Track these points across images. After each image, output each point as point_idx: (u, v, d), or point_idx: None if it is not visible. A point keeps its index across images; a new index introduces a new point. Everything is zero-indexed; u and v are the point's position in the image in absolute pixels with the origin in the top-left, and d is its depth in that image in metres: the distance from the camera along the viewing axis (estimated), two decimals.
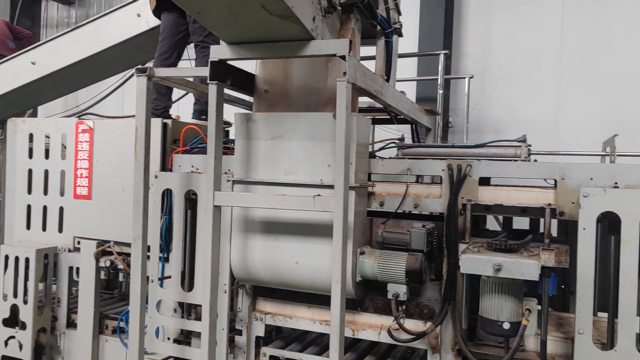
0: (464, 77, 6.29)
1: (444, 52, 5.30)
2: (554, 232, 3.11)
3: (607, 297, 2.56)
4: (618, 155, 3.04)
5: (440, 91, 5.47)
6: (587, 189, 2.45)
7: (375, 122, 4.60)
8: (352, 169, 2.79)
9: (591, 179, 2.59)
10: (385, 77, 3.43)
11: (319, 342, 3.40)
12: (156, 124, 3.53)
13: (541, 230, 3.01)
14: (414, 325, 2.93)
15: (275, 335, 3.66)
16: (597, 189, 2.43)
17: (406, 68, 6.89)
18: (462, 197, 2.82)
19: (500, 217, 3.60)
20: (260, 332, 3.23)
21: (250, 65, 3.16)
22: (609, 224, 2.56)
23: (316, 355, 3.17)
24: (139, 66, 2.95)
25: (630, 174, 2.53)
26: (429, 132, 4.83)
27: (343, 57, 2.52)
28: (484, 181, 2.99)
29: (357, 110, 3.12)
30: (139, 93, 2.95)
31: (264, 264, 2.97)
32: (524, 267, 2.23)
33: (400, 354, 3.34)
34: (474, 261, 2.31)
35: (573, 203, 2.57)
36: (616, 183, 2.54)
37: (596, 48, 6.75)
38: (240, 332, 3.25)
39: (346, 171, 2.54)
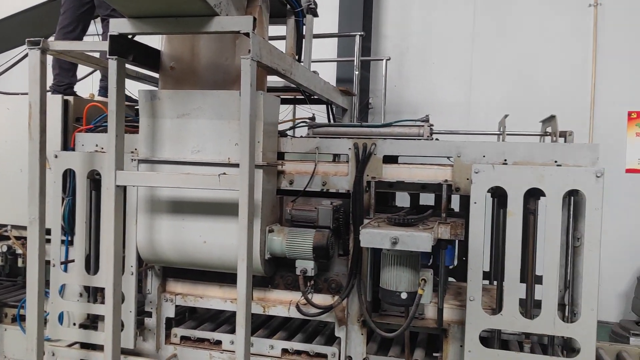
0: (382, 59, 6.43)
1: (359, 33, 5.37)
2: (457, 208, 3.30)
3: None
4: (507, 135, 3.25)
5: (357, 72, 5.56)
6: (478, 165, 2.60)
7: (295, 102, 4.62)
8: (259, 147, 2.80)
9: (484, 156, 2.75)
10: (297, 57, 3.44)
11: (232, 321, 3.41)
12: (56, 100, 3.35)
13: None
14: (323, 299, 3.02)
15: (190, 315, 3.65)
16: (487, 166, 2.59)
17: (329, 49, 6.94)
18: (368, 175, 2.91)
19: (413, 194, 3.75)
20: (171, 313, 3.19)
21: (157, 41, 3.07)
22: (499, 199, 2.75)
23: (228, 333, 3.19)
24: (31, 39, 2.77)
25: (518, 152, 2.72)
26: (345, 113, 4.92)
27: (247, 35, 2.50)
28: (393, 159, 3.11)
29: (266, 88, 3.13)
30: (32, 67, 2.78)
31: (171, 245, 2.93)
32: (418, 239, 2.34)
33: (312, 328, 3.43)
34: (373, 235, 2.40)
35: (467, 179, 2.72)
36: (505, 160, 2.72)
37: (505, 33, 7.11)
38: (150, 314, 3.21)
39: (252, 149, 2.55)
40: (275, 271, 3.08)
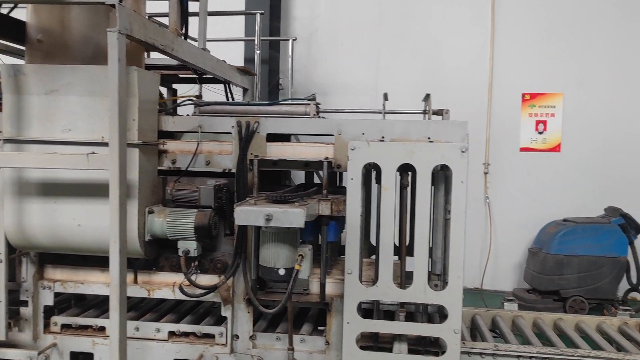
0: (287, 39, 6.40)
1: (259, 12, 5.30)
2: None
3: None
4: (390, 113, 3.35)
5: (258, 51, 5.50)
6: (354, 142, 2.66)
7: (189, 81, 4.49)
8: (134, 125, 2.70)
9: (363, 133, 2.82)
10: (181, 33, 3.33)
11: None
12: None
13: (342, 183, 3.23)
14: (210, 279, 2.99)
15: (77, 303, 3.51)
16: (362, 142, 2.65)
17: (240, 28, 6.83)
18: (251, 153, 2.89)
19: (309, 173, 3.77)
20: (49, 301, 3.04)
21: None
22: (377, 175, 2.82)
23: None
24: None
25: (395, 129, 2.80)
26: (247, 92, 4.86)
27: (112, 6, 2.38)
28: (286, 138, 3.11)
29: (143, 64, 3.01)
30: None
31: (43, 229, 2.78)
32: (292, 215, 2.37)
33: (204, 309, 3.39)
34: (247, 213, 2.40)
35: (347, 156, 2.77)
36: (383, 137, 2.80)
37: (411, 18, 7.29)
38: (26, 304, 3.04)
39: (122, 127, 2.45)
40: (160, 253, 3.01)
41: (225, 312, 2.96)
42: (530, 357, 2.80)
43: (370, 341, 2.84)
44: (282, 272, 2.54)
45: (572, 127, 7.03)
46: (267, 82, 6.82)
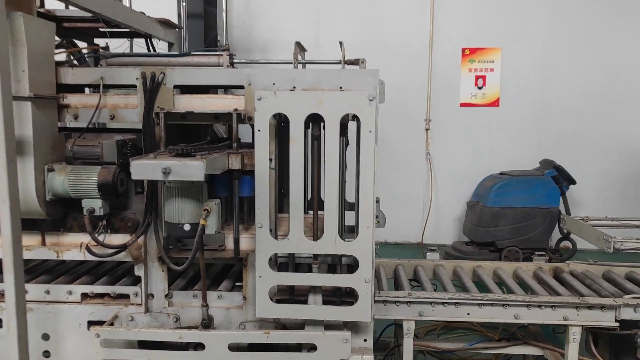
0: None
1: None
2: None
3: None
4: (307, 63, 3.27)
5: (184, 3, 5.26)
6: (261, 92, 2.56)
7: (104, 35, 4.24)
8: (24, 77, 2.52)
9: (274, 83, 2.72)
10: None
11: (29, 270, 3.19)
12: None
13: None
14: (122, 239, 2.88)
15: None
16: (269, 92, 2.56)
17: None
18: (158, 107, 2.76)
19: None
20: None
21: None
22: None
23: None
24: None
25: (306, 78, 2.71)
26: (172, 47, 4.65)
27: None
28: (203, 91, 2.96)
29: (35, 12, 2.79)
30: None
31: None
32: (191, 168, 2.28)
33: (123, 270, 3.30)
34: (144, 166, 2.30)
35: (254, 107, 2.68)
36: (294, 87, 2.71)
37: None
38: None
39: (4, 78, 2.27)
40: (67, 213, 2.88)
41: (139, 271, 2.88)
42: (443, 302, 2.86)
43: (287, 294, 2.83)
44: (187, 227, 2.47)
45: (510, 82, 7.12)
46: (203, 38, 6.57)
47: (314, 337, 2.69)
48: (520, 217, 6.35)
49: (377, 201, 3.37)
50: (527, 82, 7.07)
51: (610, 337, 3.16)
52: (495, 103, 7.13)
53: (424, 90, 7.16)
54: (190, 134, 3.33)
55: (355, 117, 2.64)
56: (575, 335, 2.80)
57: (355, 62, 3.07)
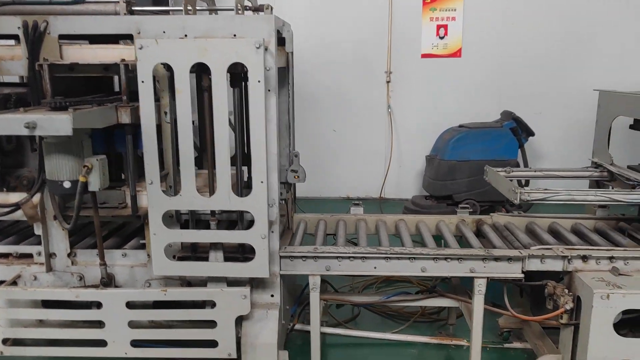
0: None
1: None
2: None
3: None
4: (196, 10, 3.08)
5: None
6: (142, 40, 2.42)
7: None
8: None
9: (164, 32, 2.56)
10: None
11: None
12: None
13: None
14: (19, 197, 2.80)
15: None
16: (150, 40, 2.41)
17: None
18: (44, 58, 2.61)
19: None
20: None
21: None
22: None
23: None
24: None
25: (198, 26, 2.55)
26: None
27: None
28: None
29: None
30: None
31: None
32: (57, 122, 2.16)
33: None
34: (7, 121, 2.18)
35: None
36: (186, 35, 2.56)
37: None
38: None
39: None
40: None
41: (38, 230, 2.81)
42: (349, 257, 2.81)
43: (189, 252, 2.78)
44: (67, 185, 2.38)
45: (472, 31, 6.89)
46: None
47: (212, 294, 2.65)
48: (477, 170, 6.26)
49: (296, 155, 3.28)
50: (490, 31, 6.84)
51: (531, 288, 3.15)
52: (457, 54, 6.92)
53: (384, 41, 6.94)
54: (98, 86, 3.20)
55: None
56: (480, 287, 2.77)
57: (259, 9, 2.90)
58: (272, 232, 2.76)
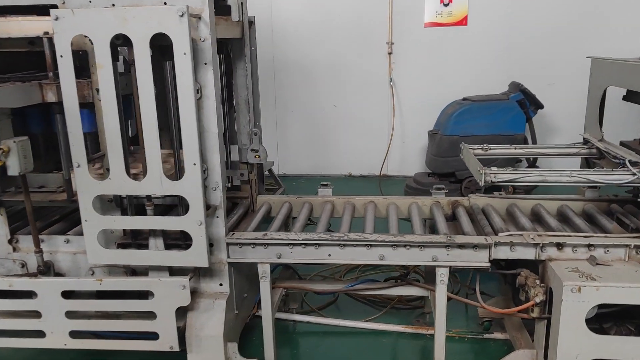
0: None
1: None
2: None
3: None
4: None
5: None
6: (57, 11, 2.21)
7: None
8: None
9: (90, 1, 2.35)
10: None
11: None
12: None
13: None
14: None
15: None
16: (66, 11, 2.20)
17: None
18: None
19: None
20: None
21: None
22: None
23: None
24: None
25: None
26: None
27: None
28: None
29: None
30: None
31: None
32: None
33: None
34: None
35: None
36: (114, 4, 2.34)
37: None
38: None
39: None
40: None
41: None
42: (301, 244, 2.59)
43: (130, 239, 2.61)
44: None
45: None
46: None
47: (149, 284, 2.49)
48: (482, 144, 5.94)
49: (256, 134, 3.07)
50: None
51: (512, 277, 2.88)
52: (462, 22, 6.49)
53: (385, 9, 6.57)
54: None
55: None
56: (442, 277, 2.52)
57: None
58: (217, 217, 2.56)
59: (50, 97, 2.38)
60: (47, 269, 2.62)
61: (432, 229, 3.03)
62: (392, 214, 3.02)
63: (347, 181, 6.94)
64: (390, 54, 6.71)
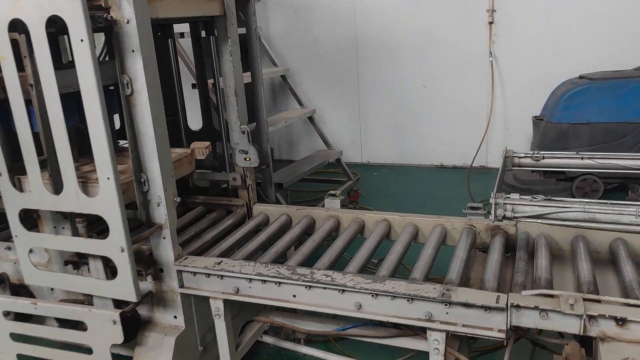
0: None
1: None
2: None
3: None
4: None
5: None
6: None
7: None
8: None
9: None
10: None
11: None
12: None
13: None
14: None
15: None
16: None
17: None
18: None
19: None
20: None
21: None
22: None
23: None
24: None
25: None
26: None
27: None
28: None
29: None
30: None
31: None
32: None
33: None
34: None
35: None
36: None
37: None
38: None
39: None
40: None
41: None
42: (261, 279, 2.02)
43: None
44: None
45: None
46: None
47: (82, 314, 2.12)
48: (602, 135, 4.70)
49: (244, 132, 2.55)
50: None
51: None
52: None
53: None
54: None
55: None
56: (436, 344, 1.78)
57: None
58: (164, 238, 2.10)
59: None
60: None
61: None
62: (404, 238, 2.30)
63: (437, 172, 6.09)
64: (491, 23, 5.65)
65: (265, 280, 2.02)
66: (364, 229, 2.51)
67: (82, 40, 1.72)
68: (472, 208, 2.31)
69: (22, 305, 2.21)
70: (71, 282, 2.10)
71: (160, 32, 2.76)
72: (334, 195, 2.63)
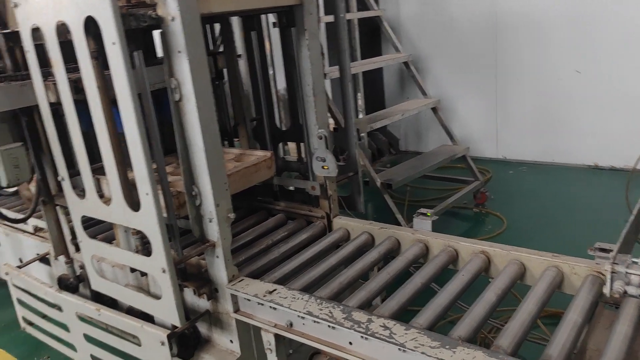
0: None
1: None
2: None
3: None
4: None
5: None
6: None
7: None
8: None
9: None
10: None
11: None
12: None
13: None
14: None
15: None
16: None
17: None
18: None
19: None
20: None
21: None
22: None
23: None
24: None
25: None
26: None
27: None
28: None
29: None
30: None
31: None
32: None
33: None
34: None
35: None
36: None
37: None
38: None
39: None
40: None
41: None
42: (314, 319, 1.71)
43: None
44: None
45: None
46: None
47: (135, 328, 2.02)
48: None
49: (321, 137, 2.26)
50: None
51: None
52: None
53: None
54: None
55: None
56: None
57: None
58: (217, 257, 1.91)
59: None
60: (77, 283, 2.42)
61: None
62: (502, 282, 1.80)
63: (590, 175, 5.16)
64: None
65: (318, 320, 1.71)
66: (457, 261, 2.05)
67: (113, 44, 1.55)
68: (602, 250, 1.72)
69: (88, 309, 2.19)
70: (127, 295, 2.01)
71: (244, 23, 2.54)
72: (424, 214, 2.20)
